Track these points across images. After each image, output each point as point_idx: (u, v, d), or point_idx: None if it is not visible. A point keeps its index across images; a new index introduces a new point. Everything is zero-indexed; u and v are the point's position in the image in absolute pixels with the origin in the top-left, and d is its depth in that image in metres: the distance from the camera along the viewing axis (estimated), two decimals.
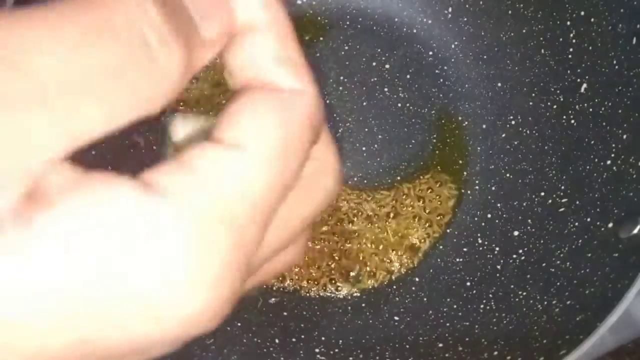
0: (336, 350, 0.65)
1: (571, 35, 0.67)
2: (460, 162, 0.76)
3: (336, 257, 0.71)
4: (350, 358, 0.64)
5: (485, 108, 0.77)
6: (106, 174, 0.18)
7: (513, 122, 0.74)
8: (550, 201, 0.67)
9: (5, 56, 0.15)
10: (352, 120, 0.77)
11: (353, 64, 0.80)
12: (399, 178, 0.75)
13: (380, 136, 0.77)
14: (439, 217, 0.73)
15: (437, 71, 0.79)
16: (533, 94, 0.73)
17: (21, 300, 0.15)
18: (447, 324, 0.65)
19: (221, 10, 0.22)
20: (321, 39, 0.81)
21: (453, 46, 0.80)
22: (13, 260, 0.15)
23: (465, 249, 0.71)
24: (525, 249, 0.66)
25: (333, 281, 0.71)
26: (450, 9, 0.79)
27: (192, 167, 0.18)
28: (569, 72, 0.68)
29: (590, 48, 0.65)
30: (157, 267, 0.16)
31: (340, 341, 0.66)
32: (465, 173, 0.75)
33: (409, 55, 0.80)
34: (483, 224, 0.72)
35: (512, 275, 0.66)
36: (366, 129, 0.77)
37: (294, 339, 0.66)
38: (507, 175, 0.73)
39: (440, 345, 0.63)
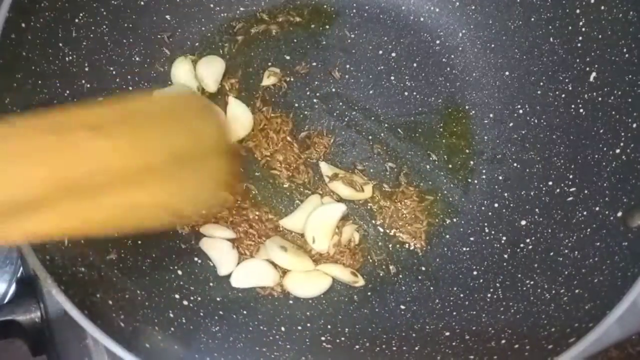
0: (342, 338, 0.65)
1: (581, 23, 0.67)
2: (467, 151, 0.75)
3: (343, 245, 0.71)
4: (357, 346, 0.63)
5: (492, 97, 0.76)
6: None
7: (521, 111, 0.74)
8: (558, 190, 0.67)
9: None
10: (359, 108, 0.77)
11: (359, 52, 0.79)
12: (405, 167, 0.74)
13: (386, 125, 0.76)
14: (445, 206, 0.73)
15: (444, 60, 0.79)
16: (541, 83, 0.72)
17: None
18: (454, 313, 0.65)
19: None
20: (327, 27, 0.80)
21: (460, 34, 0.79)
22: None
23: (472, 238, 0.71)
24: (533, 238, 0.66)
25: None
26: None
27: None
28: (578, 60, 0.68)
29: (600, 36, 0.65)
30: None
31: (347, 329, 0.65)
32: (472, 162, 0.75)
33: (416, 43, 0.80)
34: (490, 213, 0.71)
35: (519, 264, 0.65)
36: (372, 118, 0.76)
37: (299, 327, 0.66)
38: (515, 164, 0.72)
39: (447, 334, 0.63)
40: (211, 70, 0.76)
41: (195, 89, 0.75)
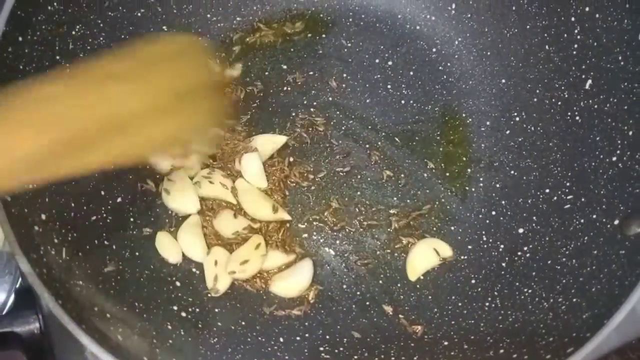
0: (341, 348, 0.64)
1: (576, 31, 0.67)
2: (465, 159, 0.75)
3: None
4: (355, 357, 0.63)
5: (489, 104, 0.76)
6: None
7: (517, 119, 0.74)
8: (555, 198, 0.67)
9: None
10: (355, 117, 0.77)
11: (356, 61, 0.80)
12: (402, 175, 0.75)
13: (383, 133, 0.76)
14: (443, 214, 0.73)
15: (440, 68, 0.79)
16: (537, 91, 0.72)
17: None
18: (452, 322, 0.65)
19: None
20: (324, 36, 0.80)
21: (457, 42, 0.79)
22: None
23: (469, 247, 0.71)
24: (531, 246, 0.66)
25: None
26: (454, 5, 0.79)
27: None
28: (573, 68, 0.68)
29: (595, 44, 0.65)
30: None
31: (345, 339, 0.65)
32: (469, 170, 0.75)
33: (413, 52, 0.80)
34: (487, 221, 0.71)
35: (517, 272, 0.65)
36: (369, 126, 0.76)
37: (298, 338, 0.65)
38: (512, 172, 0.73)
39: (446, 343, 0.63)
40: None
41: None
